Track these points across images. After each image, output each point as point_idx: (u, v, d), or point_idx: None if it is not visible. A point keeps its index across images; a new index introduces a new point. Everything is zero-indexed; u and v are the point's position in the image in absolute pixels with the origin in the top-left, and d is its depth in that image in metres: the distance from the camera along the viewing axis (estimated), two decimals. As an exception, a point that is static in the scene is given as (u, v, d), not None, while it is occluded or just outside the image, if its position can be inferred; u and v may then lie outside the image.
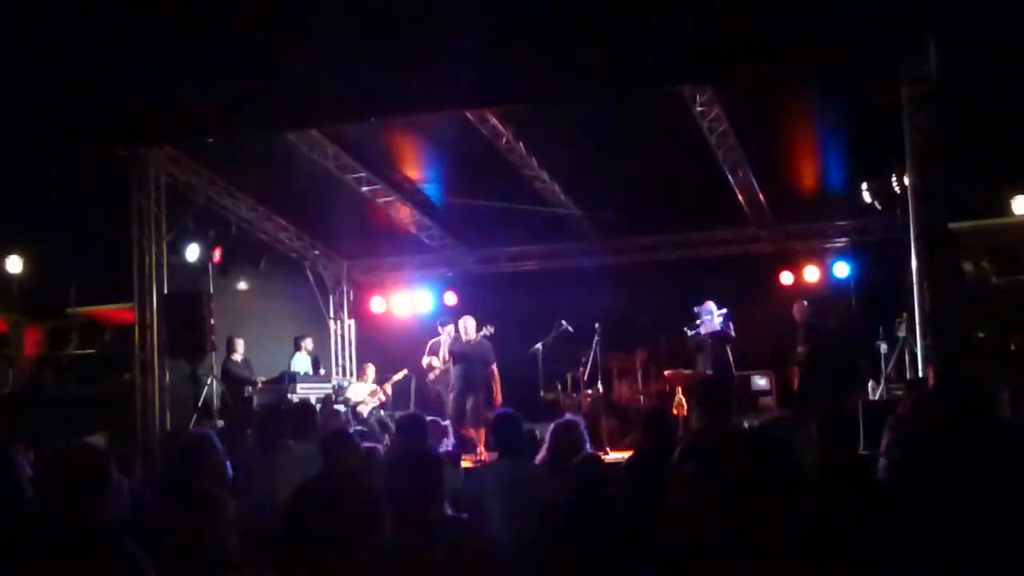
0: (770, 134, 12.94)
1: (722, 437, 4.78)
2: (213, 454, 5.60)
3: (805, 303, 14.66)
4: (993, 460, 4.19)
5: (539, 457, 6.84)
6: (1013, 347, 11.47)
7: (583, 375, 14.52)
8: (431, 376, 14.41)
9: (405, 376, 15.54)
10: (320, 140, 13.59)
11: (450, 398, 13.61)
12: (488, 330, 14.09)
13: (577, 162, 13.90)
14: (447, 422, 12.87)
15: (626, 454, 11.92)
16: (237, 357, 15.10)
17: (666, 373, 14.12)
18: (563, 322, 14.66)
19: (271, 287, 16.59)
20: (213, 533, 4.30)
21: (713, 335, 13.49)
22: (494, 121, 12.73)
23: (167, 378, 13.16)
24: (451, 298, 16.95)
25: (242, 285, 16.15)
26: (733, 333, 13.57)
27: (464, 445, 12.75)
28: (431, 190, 15.34)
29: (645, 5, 10.24)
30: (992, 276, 12.94)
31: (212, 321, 13.66)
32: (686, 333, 13.76)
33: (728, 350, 13.47)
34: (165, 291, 13.24)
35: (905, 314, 11.51)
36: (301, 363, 15.94)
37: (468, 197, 15.00)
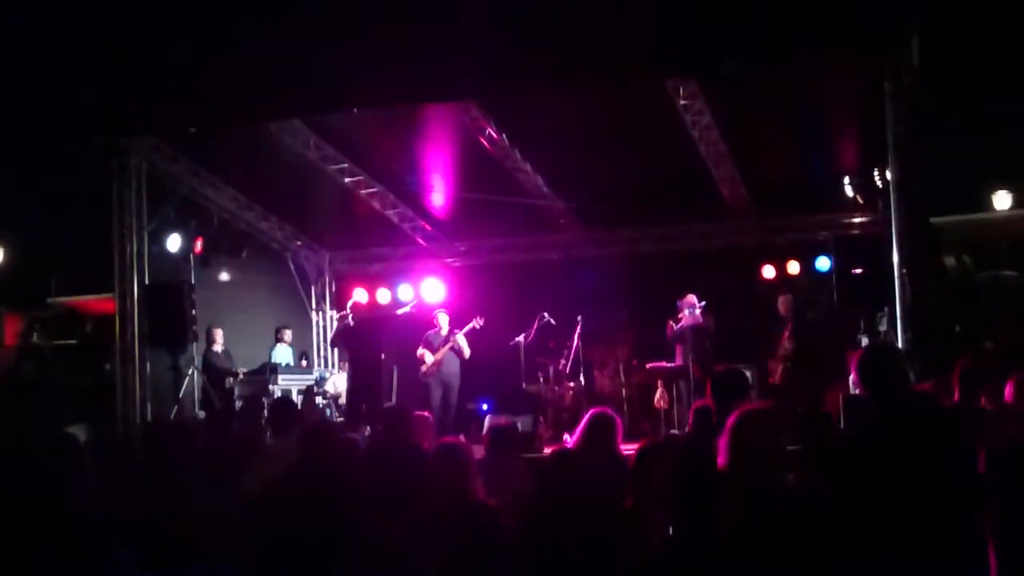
0: (753, 128, 12.94)
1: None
2: (193, 445, 5.57)
3: (791, 296, 14.67)
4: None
5: (572, 442, 6.82)
6: (989, 345, 11.51)
7: (565, 367, 14.53)
8: (423, 368, 14.34)
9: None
10: (303, 130, 13.55)
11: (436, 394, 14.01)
12: (478, 323, 14.10)
13: (560, 155, 13.87)
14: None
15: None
16: (217, 348, 15.04)
17: (648, 366, 14.14)
18: (545, 314, 14.67)
19: (253, 278, 16.55)
20: (189, 524, 4.29)
21: (693, 328, 13.52)
22: (477, 113, 12.71)
23: (148, 369, 13.09)
24: (433, 290, 16.89)
25: (224, 276, 16.10)
26: (712, 326, 13.62)
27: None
28: (413, 181, 15.29)
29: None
30: (973, 271, 12.99)
31: (194, 312, 13.64)
32: (670, 326, 13.78)
33: (709, 342, 13.49)
34: (146, 281, 13.17)
35: (887, 308, 11.53)
36: (282, 354, 15.90)
37: (451, 189, 14.97)
